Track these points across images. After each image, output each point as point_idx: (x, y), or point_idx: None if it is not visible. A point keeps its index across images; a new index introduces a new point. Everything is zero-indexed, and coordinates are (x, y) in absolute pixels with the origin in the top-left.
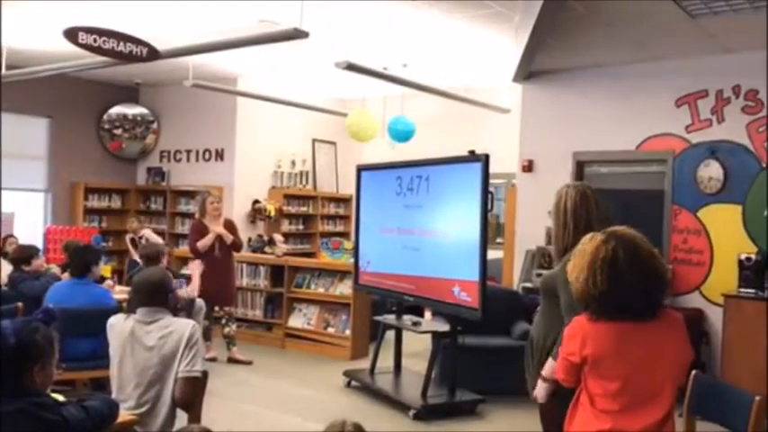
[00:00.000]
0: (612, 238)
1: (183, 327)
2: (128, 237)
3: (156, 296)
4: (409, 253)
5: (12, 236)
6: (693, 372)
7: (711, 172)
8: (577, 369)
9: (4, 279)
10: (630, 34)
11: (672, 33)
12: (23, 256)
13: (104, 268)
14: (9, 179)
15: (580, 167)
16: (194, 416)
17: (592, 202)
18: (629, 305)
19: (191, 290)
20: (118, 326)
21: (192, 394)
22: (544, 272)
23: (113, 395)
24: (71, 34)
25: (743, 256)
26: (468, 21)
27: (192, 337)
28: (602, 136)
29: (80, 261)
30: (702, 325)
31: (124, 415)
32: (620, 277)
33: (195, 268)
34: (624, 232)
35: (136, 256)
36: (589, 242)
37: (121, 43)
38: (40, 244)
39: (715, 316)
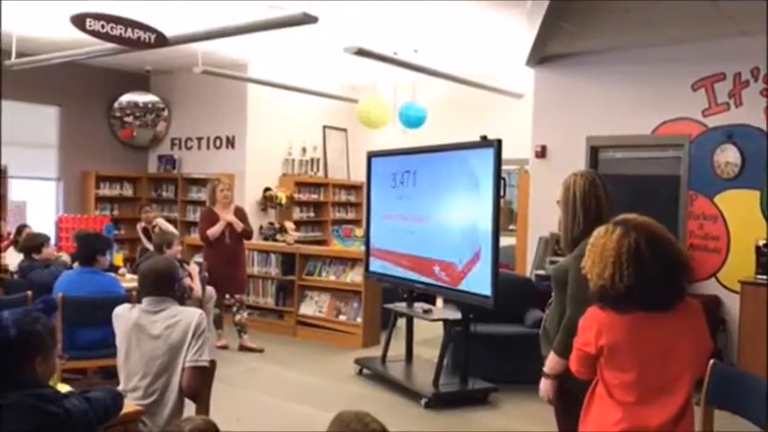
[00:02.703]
0: (632, 230)
1: (190, 316)
2: (139, 226)
3: (161, 285)
4: (419, 239)
5: (26, 225)
6: (711, 361)
7: (728, 157)
8: (593, 360)
9: (15, 267)
10: (646, 17)
11: (689, 15)
12: (34, 244)
13: (117, 257)
14: (20, 168)
15: (594, 153)
16: (202, 405)
17: (601, 189)
18: (653, 297)
19: (194, 290)
20: (123, 316)
21: (199, 384)
22: (558, 259)
23: (121, 385)
24: (78, 20)
25: (760, 243)
26: (479, 4)
27: (200, 326)
28: (617, 120)
29: (87, 250)
30: (719, 312)
31: (130, 406)
32: (646, 270)
33: (194, 270)
34: (640, 221)
35: (147, 245)
36: (605, 236)
37: (129, 29)
38: (52, 233)
39: (732, 303)
